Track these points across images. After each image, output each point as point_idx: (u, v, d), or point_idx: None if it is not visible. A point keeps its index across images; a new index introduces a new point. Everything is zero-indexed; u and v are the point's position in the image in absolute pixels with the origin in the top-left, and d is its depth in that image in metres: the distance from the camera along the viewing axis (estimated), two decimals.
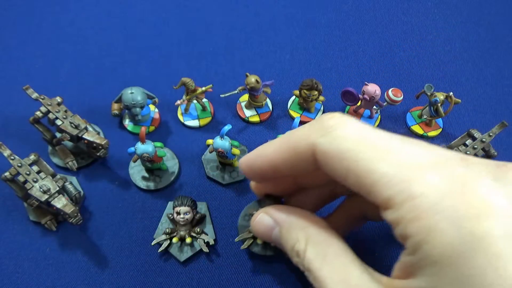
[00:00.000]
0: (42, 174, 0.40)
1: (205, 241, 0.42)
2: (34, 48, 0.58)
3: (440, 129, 0.51)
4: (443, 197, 0.21)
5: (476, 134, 0.44)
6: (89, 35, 0.60)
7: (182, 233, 0.42)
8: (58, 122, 0.44)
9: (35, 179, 0.39)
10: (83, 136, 0.44)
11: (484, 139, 0.44)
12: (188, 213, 0.42)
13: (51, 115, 0.44)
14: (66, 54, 0.58)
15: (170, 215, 0.43)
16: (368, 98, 0.48)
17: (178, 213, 0.42)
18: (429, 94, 0.48)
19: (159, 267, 0.42)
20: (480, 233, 0.19)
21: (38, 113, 0.44)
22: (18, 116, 0.51)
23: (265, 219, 0.32)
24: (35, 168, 0.40)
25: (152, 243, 0.42)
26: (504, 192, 0.21)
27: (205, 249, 0.42)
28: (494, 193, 0.20)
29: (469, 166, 0.22)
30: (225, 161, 0.47)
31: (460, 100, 0.48)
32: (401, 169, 0.22)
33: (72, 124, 0.44)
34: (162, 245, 0.42)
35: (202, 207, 0.45)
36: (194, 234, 0.42)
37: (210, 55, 0.58)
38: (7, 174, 0.40)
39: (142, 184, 0.46)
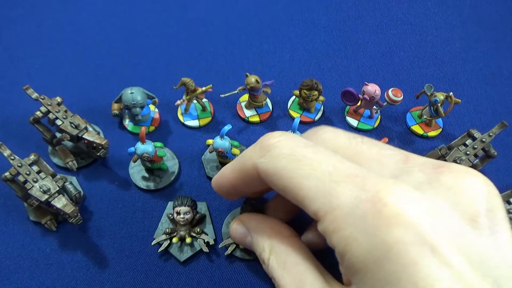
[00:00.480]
0: (42, 174, 0.40)
1: (205, 241, 0.42)
2: (34, 48, 0.58)
3: (440, 129, 0.51)
4: (355, 208, 0.22)
5: (476, 134, 0.44)
6: (89, 35, 0.60)
7: (182, 233, 0.42)
8: (58, 122, 0.44)
9: (35, 179, 0.39)
10: (83, 136, 0.44)
11: (484, 139, 0.44)
12: (188, 213, 0.42)
13: (51, 115, 0.44)
14: (66, 54, 0.58)
15: (170, 215, 0.43)
16: (368, 98, 0.48)
17: (178, 213, 0.42)
18: (429, 94, 0.48)
19: (159, 267, 0.42)
20: (391, 241, 0.20)
21: (38, 113, 0.44)
22: (18, 116, 0.51)
23: (239, 227, 0.36)
24: (35, 168, 0.40)
25: (152, 243, 0.42)
26: (419, 199, 0.21)
27: (205, 249, 0.42)
28: (407, 201, 0.21)
29: (385, 175, 0.24)
30: (225, 161, 0.47)
31: (460, 100, 0.48)
32: (323, 183, 0.23)
33: (72, 124, 0.44)
34: (162, 245, 0.42)
35: (202, 207, 0.45)
36: (194, 234, 0.42)
37: (210, 55, 0.58)
38: (7, 174, 0.40)
39: (142, 184, 0.46)
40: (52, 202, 0.39)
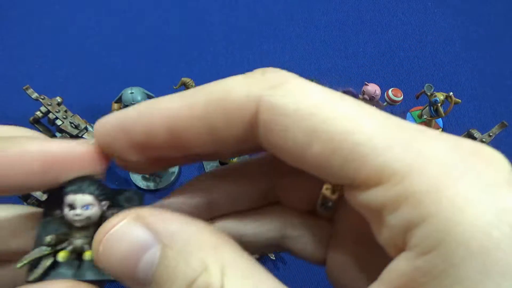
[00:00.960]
0: None
1: None
2: (34, 48, 0.58)
3: (440, 129, 0.51)
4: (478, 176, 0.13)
5: (476, 134, 0.44)
6: (89, 35, 0.60)
7: (77, 241, 0.18)
8: (58, 122, 0.44)
9: None
10: (83, 136, 0.44)
11: (484, 139, 0.44)
12: (90, 206, 0.19)
13: (51, 115, 0.44)
14: (66, 54, 0.58)
15: (58, 212, 0.19)
16: (368, 98, 0.48)
17: (72, 206, 0.18)
18: (429, 94, 0.48)
19: None
20: None
21: (38, 113, 0.44)
22: (18, 116, 0.51)
23: (134, 231, 0.16)
24: None
25: (18, 266, 0.17)
26: None
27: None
28: None
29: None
30: (225, 161, 0.47)
31: (460, 100, 0.48)
32: (396, 129, 0.15)
33: (72, 124, 0.44)
34: (38, 267, 0.17)
35: (125, 198, 0.19)
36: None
37: (210, 55, 0.58)
38: None
39: (142, 184, 0.46)
40: None
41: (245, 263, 0.15)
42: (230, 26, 0.61)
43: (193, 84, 0.49)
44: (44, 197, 0.39)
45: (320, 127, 0.15)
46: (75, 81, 0.55)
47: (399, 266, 0.14)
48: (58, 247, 0.18)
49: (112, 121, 0.17)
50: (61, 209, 0.18)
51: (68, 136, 0.44)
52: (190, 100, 0.16)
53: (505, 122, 0.44)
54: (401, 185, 0.14)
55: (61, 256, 0.18)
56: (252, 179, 0.20)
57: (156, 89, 0.52)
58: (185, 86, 0.49)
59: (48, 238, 0.18)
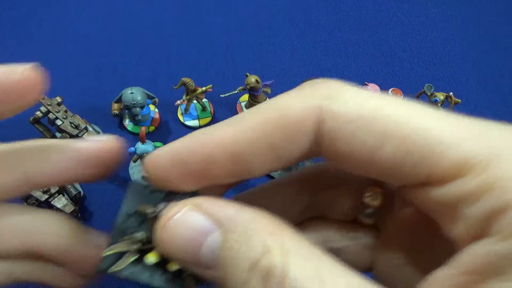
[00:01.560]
0: None
1: None
2: (34, 48, 0.58)
3: None
4: None
5: None
6: (89, 35, 0.60)
7: None
8: (58, 122, 0.44)
9: None
10: (83, 136, 0.44)
11: None
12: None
13: (51, 115, 0.44)
14: (66, 54, 0.58)
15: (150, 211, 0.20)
16: None
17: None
18: (429, 94, 0.48)
19: None
20: None
21: (38, 113, 0.44)
22: (18, 116, 0.51)
23: (195, 218, 0.16)
24: None
25: (104, 253, 0.20)
26: None
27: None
28: None
29: None
30: None
31: (460, 100, 0.48)
32: (469, 125, 0.15)
33: (72, 124, 0.44)
34: (123, 262, 0.19)
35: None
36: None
37: (210, 55, 0.58)
38: None
39: None
40: (52, 202, 0.39)
41: (306, 246, 0.15)
42: (230, 26, 0.61)
43: (193, 84, 0.49)
44: (44, 197, 0.39)
45: (391, 128, 0.15)
46: (75, 81, 0.55)
47: (475, 251, 0.13)
48: (145, 246, 0.18)
49: (166, 154, 0.18)
50: (155, 211, 0.18)
51: (68, 136, 0.44)
52: (248, 124, 0.16)
53: (505, 122, 0.44)
54: (483, 175, 0.14)
55: (150, 258, 0.18)
56: (293, 195, 0.20)
57: (156, 89, 0.52)
58: (185, 86, 0.49)
59: (140, 236, 0.19)
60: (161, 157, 0.18)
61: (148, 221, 0.18)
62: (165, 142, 0.50)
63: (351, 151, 0.16)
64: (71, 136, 0.44)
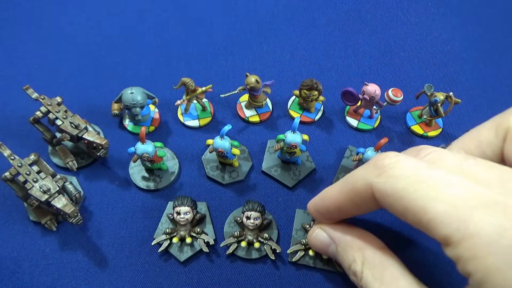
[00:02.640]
0: (42, 174, 0.40)
1: (205, 241, 0.42)
2: (34, 48, 0.58)
3: (440, 129, 0.51)
4: (499, 237, 0.20)
5: None
6: (89, 35, 0.60)
7: (182, 233, 0.42)
8: (58, 122, 0.44)
9: (35, 179, 0.39)
10: (83, 136, 0.44)
11: None
12: (188, 213, 0.42)
13: (51, 115, 0.44)
14: (66, 54, 0.58)
15: (170, 215, 0.43)
16: (368, 98, 0.48)
17: (178, 213, 0.42)
18: (429, 94, 0.48)
19: (159, 267, 0.42)
20: None
21: (38, 113, 0.44)
22: (18, 116, 0.51)
23: (322, 235, 0.34)
24: (35, 168, 0.40)
25: (152, 243, 0.42)
26: None
27: (205, 249, 0.42)
28: None
29: None
30: (225, 161, 0.47)
31: (460, 100, 0.48)
32: (456, 208, 0.22)
33: (72, 124, 0.44)
34: (162, 245, 0.42)
35: (202, 207, 0.45)
36: (194, 234, 0.42)
37: (210, 55, 0.58)
38: (7, 174, 0.40)
39: (142, 184, 0.46)
40: (52, 202, 0.39)
41: (379, 257, 0.30)
42: (230, 26, 0.61)
43: (193, 84, 0.49)
44: (44, 197, 0.39)
45: (408, 205, 0.24)
46: (75, 81, 0.55)
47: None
48: (172, 235, 0.42)
49: (313, 207, 0.35)
50: (172, 213, 0.42)
51: (68, 137, 0.44)
52: (340, 190, 0.31)
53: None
54: (458, 249, 0.22)
55: (174, 240, 0.42)
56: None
57: (156, 89, 0.52)
58: (185, 86, 0.49)
59: (167, 230, 0.42)
60: (310, 207, 0.35)
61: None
62: (165, 142, 0.50)
63: (392, 212, 0.26)
64: (71, 136, 0.44)
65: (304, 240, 0.41)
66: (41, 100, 0.44)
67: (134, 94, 0.47)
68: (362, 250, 0.31)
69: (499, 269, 0.20)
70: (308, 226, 0.42)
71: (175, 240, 0.42)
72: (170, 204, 0.45)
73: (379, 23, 0.62)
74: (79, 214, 0.40)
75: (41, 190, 0.39)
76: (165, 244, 0.42)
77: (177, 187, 0.47)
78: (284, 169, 0.48)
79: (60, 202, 0.39)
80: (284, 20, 0.62)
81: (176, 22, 0.62)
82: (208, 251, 0.42)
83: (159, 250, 0.42)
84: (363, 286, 0.29)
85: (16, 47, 0.58)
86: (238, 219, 0.43)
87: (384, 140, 0.42)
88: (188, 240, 0.42)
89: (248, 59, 0.58)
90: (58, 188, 0.39)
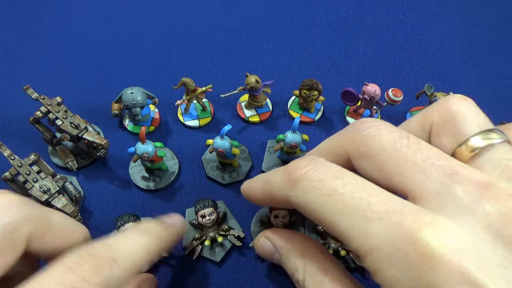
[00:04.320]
0: (42, 174, 0.40)
1: (236, 235, 0.42)
2: (34, 48, 0.58)
3: None
4: (395, 249, 0.21)
5: None
6: (89, 35, 0.60)
7: (211, 234, 0.42)
8: (58, 122, 0.44)
9: (35, 179, 0.39)
10: (83, 136, 0.44)
11: None
12: (212, 214, 0.42)
13: (51, 115, 0.44)
14: (66, 54, 0.58)
15: (194, 221, 0.43)
16: (368, 98, 0.48)
17: (203, 216, 0.42)
18: (429, 94, 0.48)
19: (157, 266, 0.42)
20: (437, 284, 0.20)
21: (38, 113, 0.44)
22: (18, 116, 0.51)
23: (266, 243, 0.34)
24: (35, 168, 0.40)
25: (185, 253, 0.42)
26: (462, 235, 0.20)
27: (238, 243, 0.42)
28: (448, 240, 0.20)
29: (427, 193, 0.23)
30: (225, 161, 0.47)
31: None
32: (359, 221, 0.22)
33: (72, 124, 0.44)
34: (196, 251, 0.42)
35: (221, 206, 0.45)
36: (223, 232, 0.42)
37: (210, 55, 0.58)
38: (7, 174, 0.40)
39: (142, 184, 0.46)
40: (52, 202, 0.39)
41: (320, 264, 0.30)
42: (230, 26, 0.61)
43: (193, 84, 0.49)
44: (44, 197, 0.39)
45: (319, 218, 0.25)
46: (75, 81, 0.55)
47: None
48: (202, 240, 0.42)
49: (242, 192, 0.35)
50: (196, 219, 0.42)
51: (68, 137, 0.44)
52: (262, 191, 0.31)
53: (505, 122, 0.44)
54: (366, 262, 0.23)
55: (206, 243, 0.42)
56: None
57: (156, 89, 0.52)
58: (185, 86, 0.49)
59: (196, 236, 0.42)
60: (242, 190, 0.35)
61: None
62: (165, 142, 0.50)
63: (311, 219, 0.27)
64: (71, 136, 0.44)
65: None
66: (41, 100, 0.44)
67: (134, 94, 0.47)
68: (303, 257, 0.30)
69: (399, 279, 0.21)
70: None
71: (207, 243, 0.42)
72: (188, 211, 0.45)
73: (379, 23, 0.62)
74: (79, 214, 0.40)
75: (41, 190, 0.39)
76: (198, 249, 0.42)
77: (177, 187, 0.47)
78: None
79: (60, 202, 0.39)
80: (284, 20, 0.62)
81: (176, 22, 0.62)
82: (241, 244, 0.42)
83: (194, 258, 0.42)
84: None
85: (16, 47, 0.58)
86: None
87: None
88: (220, 239, 0.42)
89: (248, 59, 0.58)
90: (58, 188, 0.39)
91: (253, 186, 0.33)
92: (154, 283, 0.37)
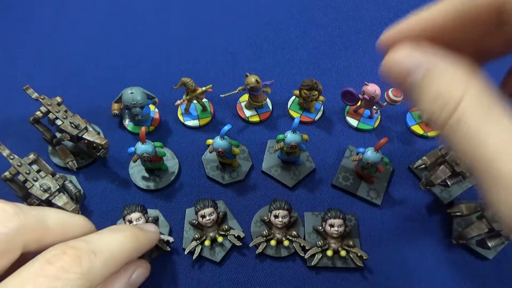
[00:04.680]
0: (42, 173, 0.40)
1: (236, 235, 0.42)
2: (34, 48, 0.58)
3: None
4: None
5: None
6: (89, 35, 0.60)
7: (211, 234, 0.42)
8: (58, 122, 0.44)
9: (35, 178, 0.39)
10: (83, 136, 0.44)
11: None
12: (212, 214, 0.42)
13: (51, 115, 0.44)
14: (66, 54, 0.58)
15: (194, 221, 0.43)
16: (368, 98, 0.48)
17: (203, 216, 0.42)
18: None
19: (156, 265, 0.42)
20: None
21: (38, 113, 0.44)
22: (18, 116, 0.51)
23: (407, 57, 0.23)
24: (34, 167, 0.40)
25: (186, 252, 0.42)
26: None
27: (238, 243, 0.42)
28: None
29: None
30: (225, 161, 0.47)
31: None
32: None
33: (72, 124, 0.44)
34: (195, 252, 0.42)
35: (221, 206, 0.45)
36: (223, 232, 0.42)
37: (210, 55, 0.58)
38: (7, 173, 0.40)
39: (142, 184, 0.46)
40: (52, 201, 0.39)
41: (486, 95, 0.20)
42: (230, 26, 0.61)
43: (193, 84, 0.49)
44: (44, 196, 0.39)
45: None
46: (75, 81, 0.55)
47: None
48: (202, 240, 0.42)
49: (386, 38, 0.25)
50: (196, 219, 0.43)
51: (68, 137, 0.44)
52: (443, 10, 0.22)
53: None
54: None
55: (206, 243, 0.42)
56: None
57: (156, 89, 0.52)
58: (185, 86, 0.49)
59: (196, 236, 0.42)
60: (384, 37, 0.26)
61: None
62: (165, 142, 0.50)
63: None
64: (71, 136, 0.44)
65: (319, 242, 0.41)
66: (41, 100, 0.44)
67: (134, 94, 0.47)
68: (467, 82, 0.21)
69: None
70: (320, 227, 0.43)
71: (207, 243, 0.42)
72: (188, 211, 0.45)
73: (379, 23, 0.62)
74: (80, 212, 0.40)
75: (42, 189, 0.39)
76: (198, 250, 0.42)
77: (177, 187, 0.47)
78: (284, 169, 0.48)
79: (61, 201, 0.39)
80: (284, 20, 0.62)
81: (176, 22, 0.62)
82: (241, 244, 0.42)
83: (194, 257, 0.42)
84: (454, 118, 0.20)
85: (16, 47, 0.58)
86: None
87: (384, 140, 0.42)
88: (220, 239, 0.42)
89: (248, 59, 0.58)
90: (58, 187, 0.39)
91: (425, 12, 0.23)
92: (147, 269, 0.36)
